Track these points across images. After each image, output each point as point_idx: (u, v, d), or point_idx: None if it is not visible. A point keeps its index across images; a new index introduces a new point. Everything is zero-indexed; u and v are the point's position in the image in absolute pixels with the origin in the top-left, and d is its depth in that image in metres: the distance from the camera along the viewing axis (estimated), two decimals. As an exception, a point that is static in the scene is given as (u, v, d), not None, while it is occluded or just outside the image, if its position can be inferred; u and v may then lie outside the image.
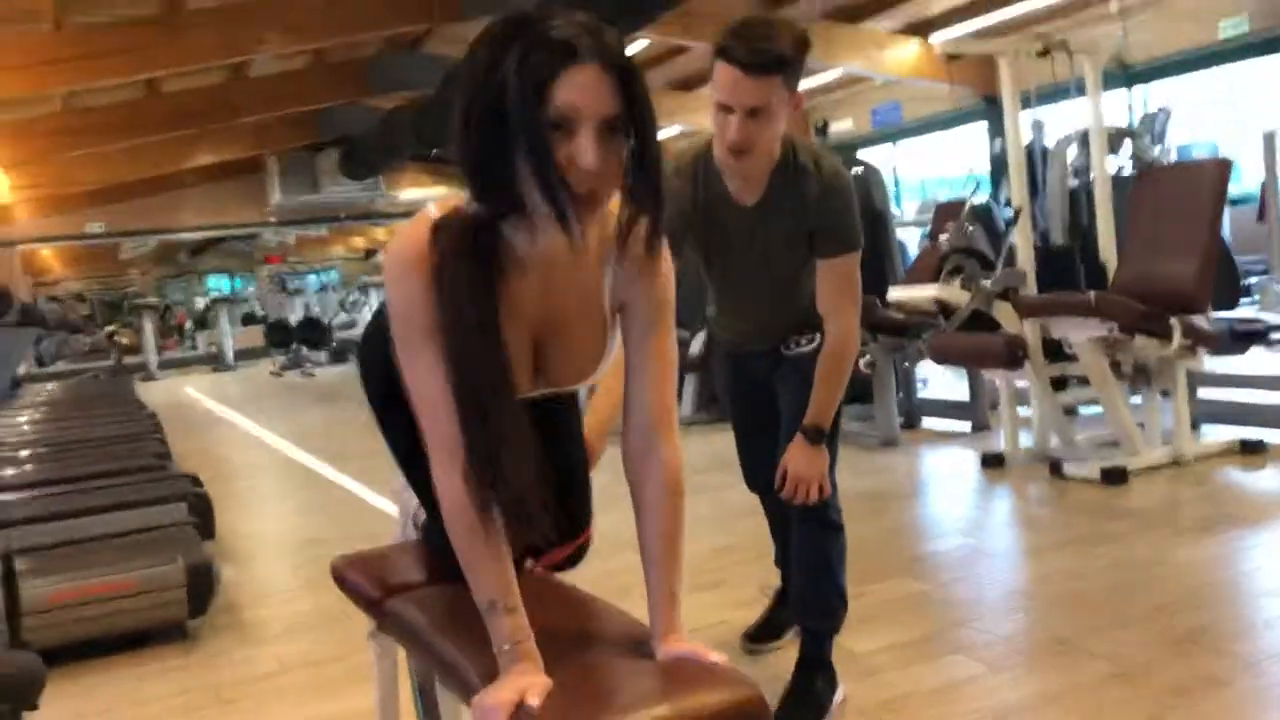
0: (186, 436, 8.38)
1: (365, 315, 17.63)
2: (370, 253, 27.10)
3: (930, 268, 5.13)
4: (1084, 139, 5.11)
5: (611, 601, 1.66)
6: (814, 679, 2.35)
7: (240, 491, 5.91)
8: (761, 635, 2.81)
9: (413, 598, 1.83)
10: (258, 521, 5.11)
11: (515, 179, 1.26)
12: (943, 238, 4.55)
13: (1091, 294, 4.04)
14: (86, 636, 3.20)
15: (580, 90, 1.23)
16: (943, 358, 4.62)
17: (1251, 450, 4.40)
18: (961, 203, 5.48)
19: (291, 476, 6.47)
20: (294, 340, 15.81)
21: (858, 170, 6.14)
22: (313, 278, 23.43)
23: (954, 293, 4.53)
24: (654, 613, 1.50)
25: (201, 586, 3.34)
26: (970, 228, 4.43)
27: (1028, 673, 2.55)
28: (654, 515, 1.50)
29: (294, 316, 17.40)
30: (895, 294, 4.86)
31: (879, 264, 6.23)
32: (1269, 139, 8.67)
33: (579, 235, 1.30)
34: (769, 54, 2.01)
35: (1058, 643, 2.68)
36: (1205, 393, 5.07)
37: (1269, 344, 5.00)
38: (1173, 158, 8.37)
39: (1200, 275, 4.17)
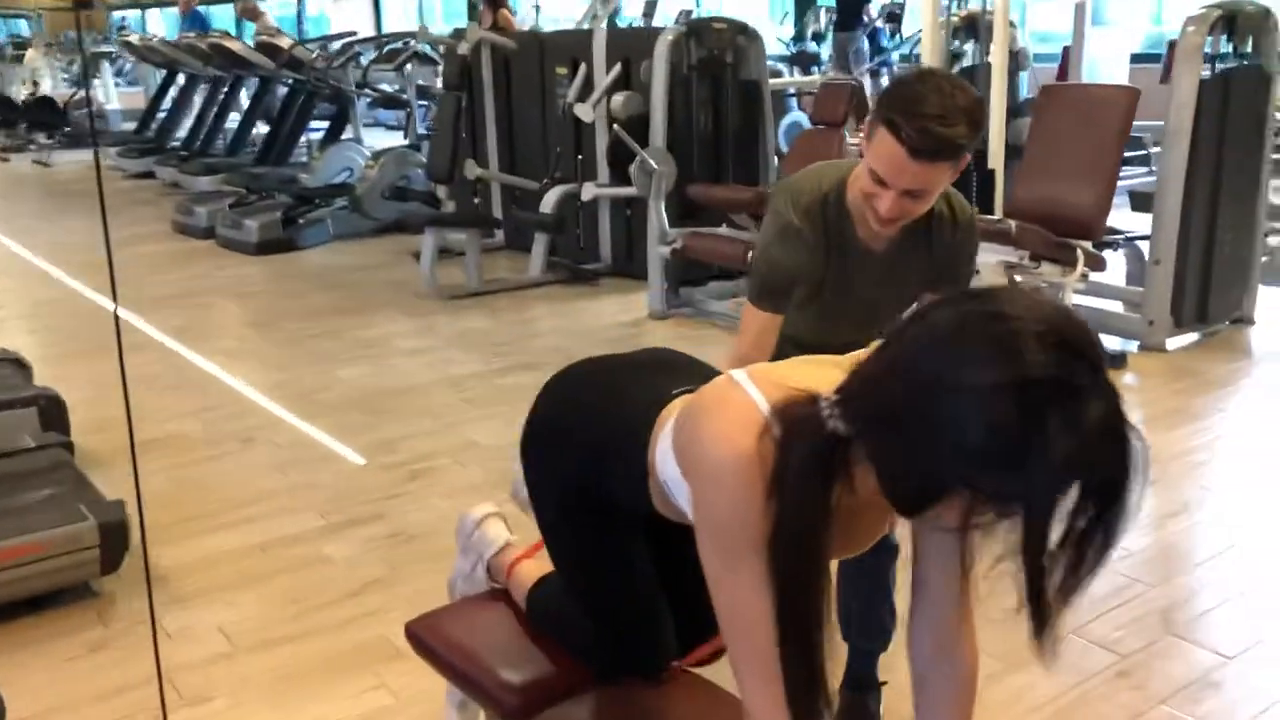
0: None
1: (111, 92, 15.64)
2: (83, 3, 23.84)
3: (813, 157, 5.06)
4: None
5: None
6: (868, 701, 2.37)
7: (52, 356, 5.20)
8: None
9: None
10: (98, 406, 4.47)
11: (927, 498, 1.12)
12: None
13: (1012, 224, 4.11)
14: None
15: None
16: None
17: (1115, 363, 4.73)
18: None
19: (98, 329, 5.69)
20: (21, 121, 13.93)
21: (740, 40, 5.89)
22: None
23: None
24: None
25: (114, 542, 2.95)
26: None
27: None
28: (942, 712, 1.41)
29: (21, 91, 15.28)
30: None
31: (754, 146, 6.09)
32: (1079, 9, 9.05)
33: None
34: (944, 140, 1.78)
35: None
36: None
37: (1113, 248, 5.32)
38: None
39: (1102, 203, 4.33)
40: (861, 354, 1.25)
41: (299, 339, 5.51)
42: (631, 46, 6.14)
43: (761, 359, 2.18)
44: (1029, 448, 1.03)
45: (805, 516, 1.18)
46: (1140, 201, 5.72)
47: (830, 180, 2.05)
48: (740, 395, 1.26)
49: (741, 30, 5.88)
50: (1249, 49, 5.00)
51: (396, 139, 11.13)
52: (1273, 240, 5.47)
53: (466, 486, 3.66)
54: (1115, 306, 5.30)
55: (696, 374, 1.63)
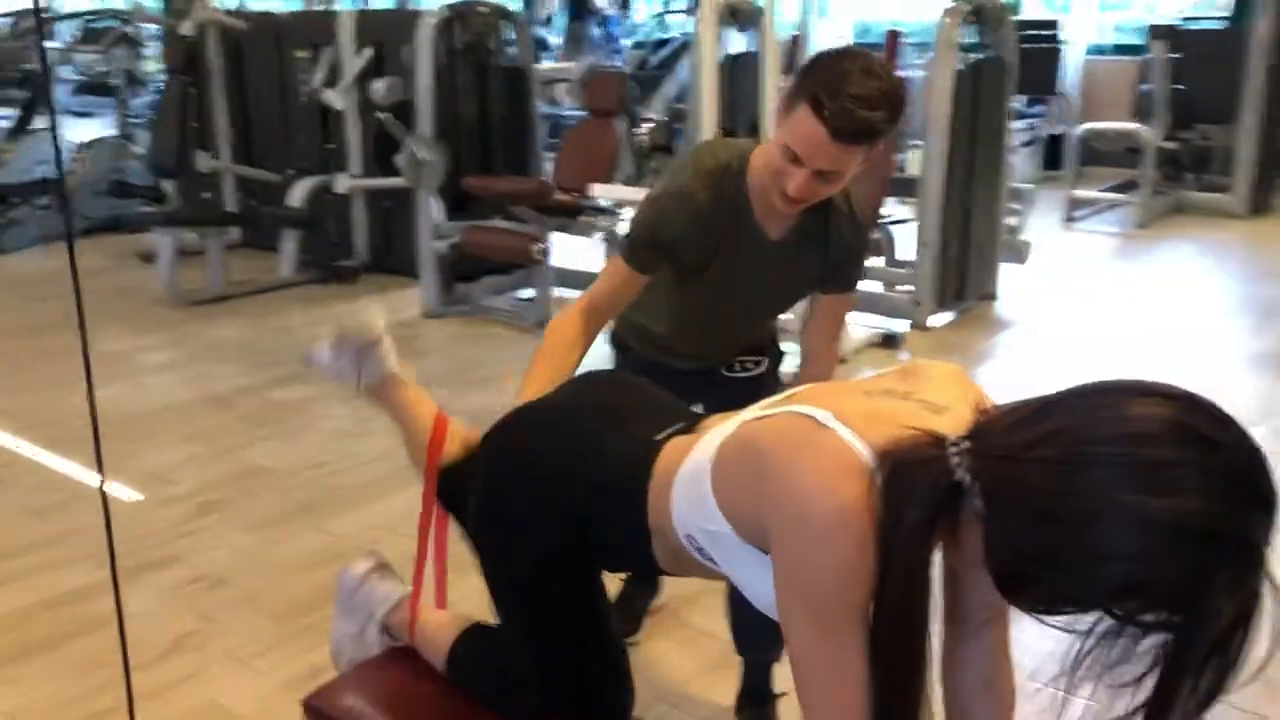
0: None
1: None
2: None
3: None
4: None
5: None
6: (769, 714, 2.30)
7: None
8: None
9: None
10: None
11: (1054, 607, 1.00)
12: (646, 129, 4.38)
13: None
14: None
15: None
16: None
17: (890, 342, 4.93)
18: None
19: None
20: None
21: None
22: None
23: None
24: None
25: None
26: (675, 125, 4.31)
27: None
28: None
29: None
30: (601, 191, 4.64)
31: (522, 135, 5.92)
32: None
33: None
34: (866, 124, 1.73)
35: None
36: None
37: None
38: None
39: (880, 191, 4.48)
40: (975, 394, 1.15)
41: (23, 359, 4.85)
42: (384, 29, 5.80)
43: (610, 312, 2.07)
44: (1192, 596, 0.92)
45: (916, 579, 1.04)
46: (894, 186, 5.98)
47: (734, 153, 1.99)
48: (832, 438, 1.10)
49: (505, 15, 5.68)
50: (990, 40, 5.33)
51: (94, 128, 10.07)
52: (1010, 220, 5.87)
53: (267, 517, 3.32)
54: (876, 287, 5.54)
55: (662, 405, 1.49)
